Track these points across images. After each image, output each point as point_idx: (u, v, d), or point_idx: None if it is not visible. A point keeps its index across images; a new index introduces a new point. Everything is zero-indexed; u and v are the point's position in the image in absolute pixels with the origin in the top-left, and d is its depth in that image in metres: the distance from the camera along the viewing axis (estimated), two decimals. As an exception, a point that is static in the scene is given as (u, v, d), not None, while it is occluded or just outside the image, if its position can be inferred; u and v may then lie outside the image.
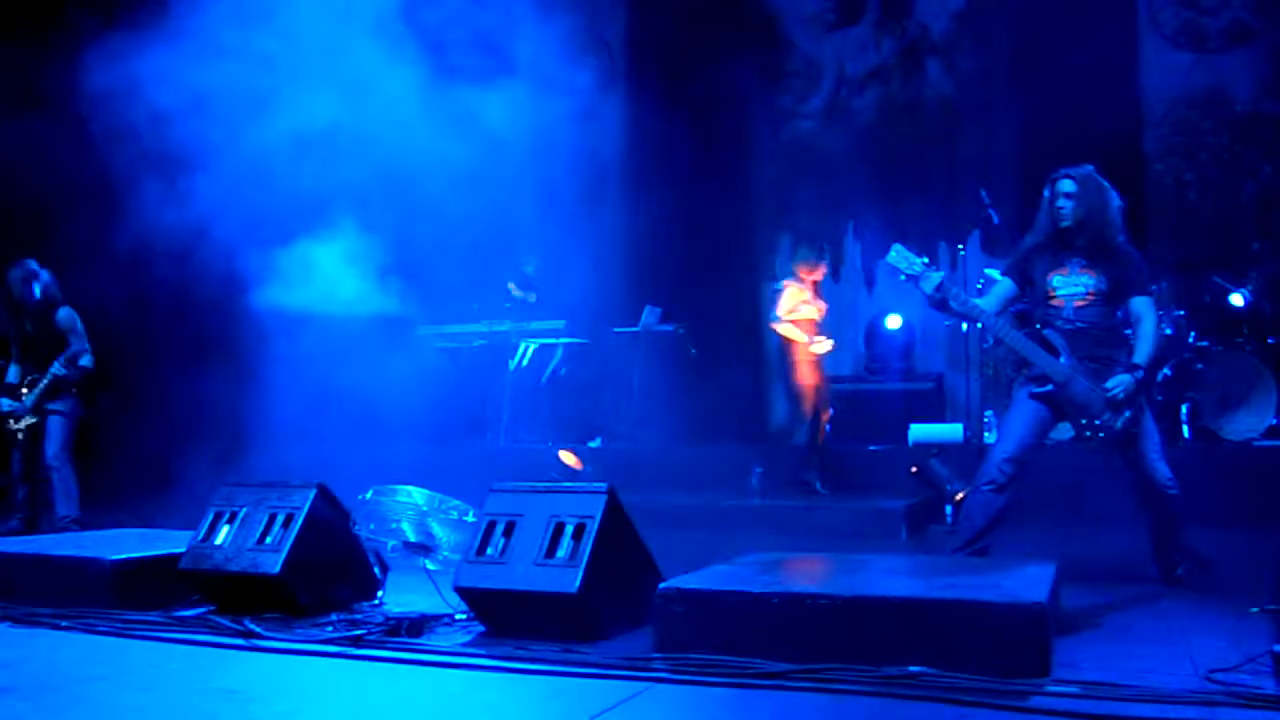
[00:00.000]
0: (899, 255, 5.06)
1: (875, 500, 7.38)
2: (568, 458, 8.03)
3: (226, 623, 4.30)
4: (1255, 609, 3.75)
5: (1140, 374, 4.99)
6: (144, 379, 9.33)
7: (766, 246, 11.41)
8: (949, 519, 7.29)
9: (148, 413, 9.02)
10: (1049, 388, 5.04)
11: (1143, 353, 5.04)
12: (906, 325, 10.17)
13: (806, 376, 7.98)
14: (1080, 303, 5.09)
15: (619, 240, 11.42)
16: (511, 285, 10.18)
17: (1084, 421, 5.01)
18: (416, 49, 7.35)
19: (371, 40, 7.18)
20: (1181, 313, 8.37)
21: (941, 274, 4.99)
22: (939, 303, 4.98)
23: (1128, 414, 4.97)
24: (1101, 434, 4.99)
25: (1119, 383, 4.94)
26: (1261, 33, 9.34)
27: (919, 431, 8.63)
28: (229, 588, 4.66)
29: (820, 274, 8.27)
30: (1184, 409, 8.10)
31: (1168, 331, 8.31)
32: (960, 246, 8.85)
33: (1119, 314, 5.16)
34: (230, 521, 4.80)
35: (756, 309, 11.44)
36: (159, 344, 9.48)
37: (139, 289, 9.13)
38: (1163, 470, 5.05)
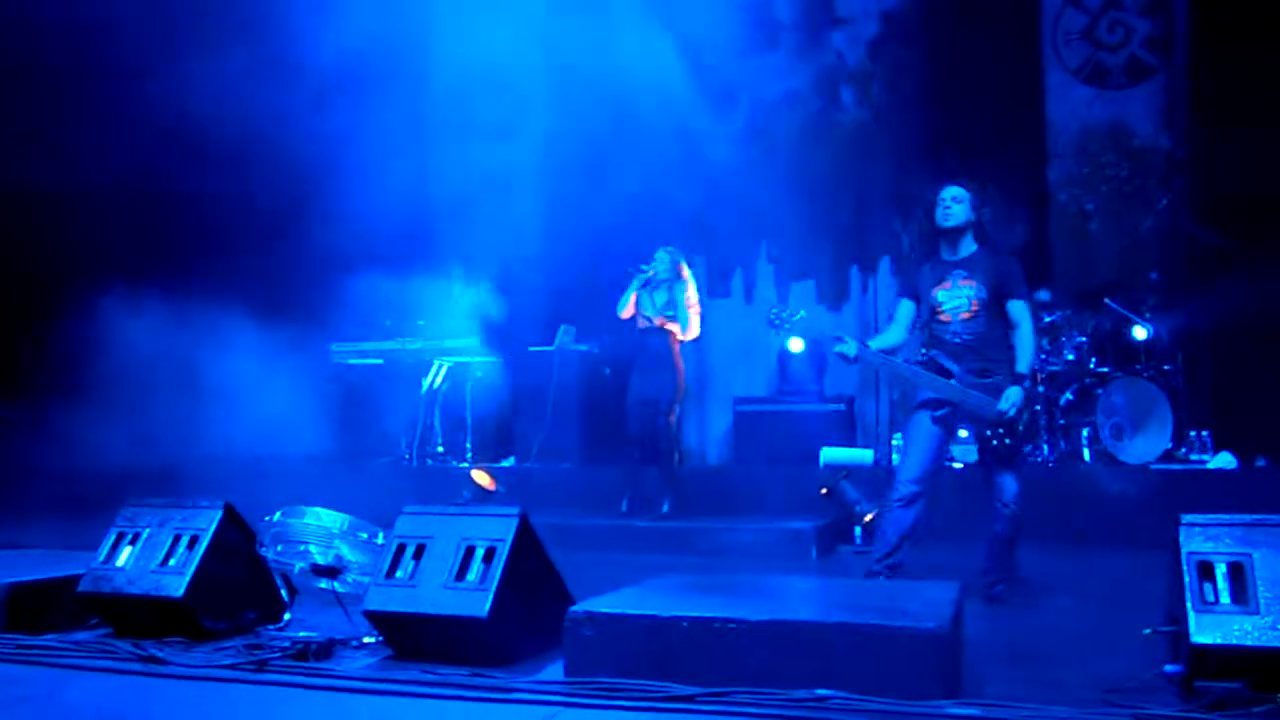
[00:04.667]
0: (775, 316, 5.36)
1: (786, 521, 7.45)
2: (481, 478, 7.96)
3: (127, 647, 4.20)
4: (1148, 630, 3.87)
5: (1027, 383, 5.20)
6: (49, 396, 9.10)
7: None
8: (858, 540, 7.40)
9: (51, 431, 8.79)
10: (945, 411, 5.20)
11: (1024, 360, 5.24)
12: (818, 347, 10.29)
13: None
14: (965, 315, 5.26)
15: (535, 258, 11.41)
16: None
17: (988, 434, 5.17)
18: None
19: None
20: (1083, 339, 8.61)
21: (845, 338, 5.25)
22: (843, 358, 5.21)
23: (1026, 416, 5.20)
24: (1008, 440, 5.16)
25: (1009, 399, 5.12)
26: (1159, 70, 9.68)
27: (830, 454, 8.74)
28: (130, 611, 4.56)
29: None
30: (1084, 433, 8.34)
31: (1070, 357, 8.56)
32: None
33: (1001, 321, 5.33)
34: (133, 543, 4.70)
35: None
36: (65, 360, 9.26)
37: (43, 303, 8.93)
38: (1010, 486, 5.23)
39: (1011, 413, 5.11)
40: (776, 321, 5.36)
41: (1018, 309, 5.26)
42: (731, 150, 10.33)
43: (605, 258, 9.33)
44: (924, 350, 5.34)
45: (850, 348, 5.21)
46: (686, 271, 8.22)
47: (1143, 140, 9.72)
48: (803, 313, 5.40)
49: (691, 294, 8.11)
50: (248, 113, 8.68)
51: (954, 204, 5.26)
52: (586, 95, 10.15)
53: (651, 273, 8.02)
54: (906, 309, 5.47)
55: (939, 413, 5.22)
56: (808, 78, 10.93)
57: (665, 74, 9.83)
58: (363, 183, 9.49)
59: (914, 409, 5.45)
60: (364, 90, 9.76)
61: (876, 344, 5.39)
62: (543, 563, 4.35)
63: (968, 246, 5.31)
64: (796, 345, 9.89)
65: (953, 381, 5.19)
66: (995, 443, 5.18)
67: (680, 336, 8.02)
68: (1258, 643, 3.34)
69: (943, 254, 5.36)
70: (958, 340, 5.25)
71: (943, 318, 5.29)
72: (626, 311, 8.09)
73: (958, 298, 5.27)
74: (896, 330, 5.49)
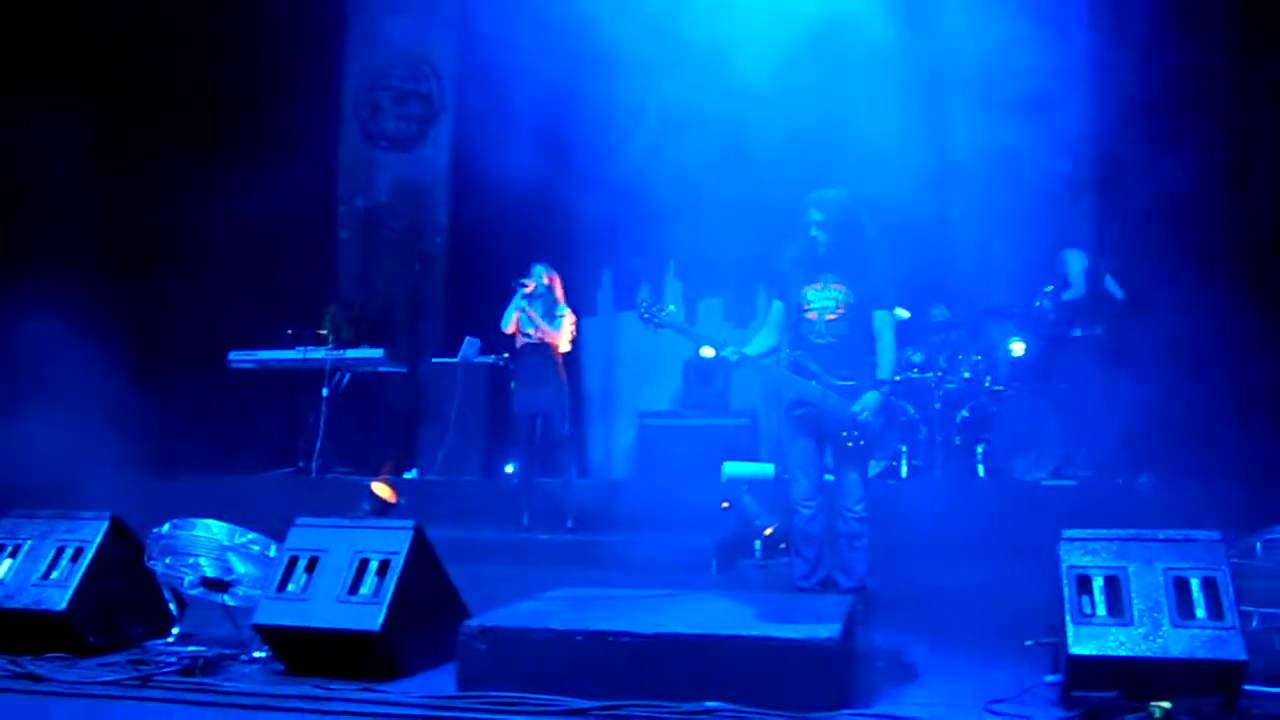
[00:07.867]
0: (645, 310, 5.47)
1: (687, 535, 7.49)
2: (381, 490, 7.88)
3: (4, 664, 4.08)
4: (1030, 641, 3.99)
5: (886, 389, 5.32)
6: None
7: (591, 281, 11.50)
8: (758, 553, 7.47)
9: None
10: (803, 410, 5.31)
11: (885, 368, 5.38)
12: (723, 362, 10.35)
13: None
14: (831, 316, 5.36)
15: (442, 269, 11.35)
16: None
17: (844, 434, 5.28)
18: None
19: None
20: (979, 358, 8.82)
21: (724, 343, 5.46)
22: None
23: (882, 421, 5.33)
24: (862, 442, 5.27)
25: (863, 402, 5.24)
26: (1055, 99, 9.96)
27: (732, 468, 8.80)
28: (9, 627, 4.42)
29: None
30: (979, 449, 8.53)
31: (966, 375, 8.76)
32: None
33: (865, 328, 5.43)
34: (13, 555, 4.58)
35: (578, 342, 11.50)
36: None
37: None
38: (857, 489, 5.36)
39: (864, 416, 5.23)
40: (647, 316, 5.46)
41: (882, 319, 5.40)
42: (640, 165, 10.39)
43: (513, 270, 9.32)
44: (788, 350, 5.44)
45: (729, 351, 5.40)
46: (560, 286, 8.36)
47: (1034, 167, 9.98)
48: (672, 307, 5.56)
49: (566, 310, 8.29)
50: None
51: (819, 230, 5.35)
52: (497, 103, 10.16)
53: (530, 286, 8.14)
54: (778, 310, 5.56)
55: (798, 412, 5.36)
56: (717, 97, 11.04)
57: (575, 84, 9.86)
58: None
59: (783, 414, 5.56)
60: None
61: (752, 348, 5.49)
62: (438, 576, 4.33)
63: (841, 253, 5.38)
64: (708, 353, 9.95)
65: (813, 382, 5.30)
66: (850, 445, 5.29)
67: (560, 349, 8.16)
68: (1131, 653, 3.46)
69: (817, 257, 5.42)
70: (821, 341, 5.34)
71: (809, 315, 5.37)
72: (510, 327, 8.20)
73: (826, 299, 5.36)
74: (770, 333, 5.58)
